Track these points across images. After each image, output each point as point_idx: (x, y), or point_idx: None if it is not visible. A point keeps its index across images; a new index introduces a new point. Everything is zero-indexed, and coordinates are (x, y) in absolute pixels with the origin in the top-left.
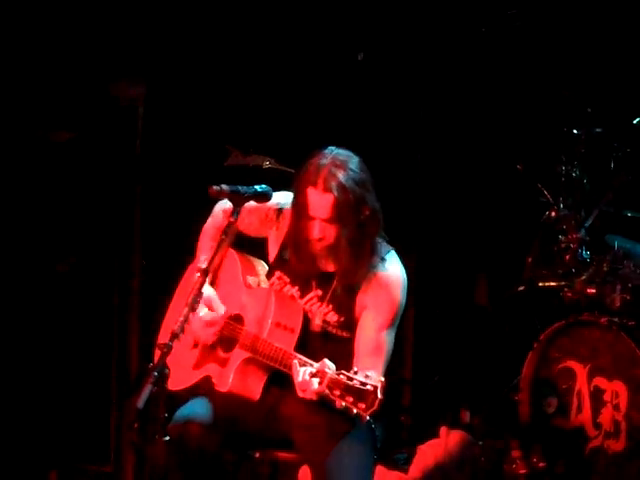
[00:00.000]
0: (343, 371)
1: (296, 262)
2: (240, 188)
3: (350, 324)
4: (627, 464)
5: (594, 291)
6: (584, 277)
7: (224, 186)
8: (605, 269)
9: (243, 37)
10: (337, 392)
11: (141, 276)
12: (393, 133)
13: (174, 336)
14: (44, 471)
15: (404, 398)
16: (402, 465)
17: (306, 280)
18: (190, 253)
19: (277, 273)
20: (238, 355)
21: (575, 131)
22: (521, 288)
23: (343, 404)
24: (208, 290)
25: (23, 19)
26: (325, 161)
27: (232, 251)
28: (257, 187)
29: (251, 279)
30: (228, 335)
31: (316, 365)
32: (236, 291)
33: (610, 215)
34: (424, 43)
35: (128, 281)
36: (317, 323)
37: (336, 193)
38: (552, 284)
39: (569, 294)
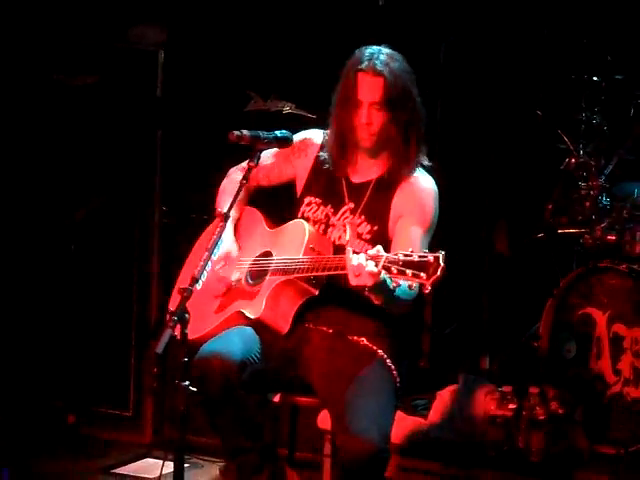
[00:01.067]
0: (400, 250)
1: (330, 165)
2: (260, 133)
3: (382, 235)
4: None
5: (614, 238)
6: (604, 224)
7: (244, 131)
8: (625, 216)
9: None
10: (394, 270)
11: (161, 222)
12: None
13: (194, 280)
14: (63, 414)
15: (423, 344)
16: (421, 411)
17: (337, 194)
18: (210, 197)
19: (306, 199)
20: (271, 282)
21: (595, 78)
22: (541, 235)
23: (400, 281)
24: (231, 247)
25: None
26: (374, 50)
27: (254, 209)
28: (277, 132)
29: (276, 225)
30: (257, 270)
31: (370, 251)
32: (261, 235)
33: (630, 162)
34: None
35: (148, 227)
36: (348, 238)
37: (388, 75)
38: (572, 231)
39: (589, 241)
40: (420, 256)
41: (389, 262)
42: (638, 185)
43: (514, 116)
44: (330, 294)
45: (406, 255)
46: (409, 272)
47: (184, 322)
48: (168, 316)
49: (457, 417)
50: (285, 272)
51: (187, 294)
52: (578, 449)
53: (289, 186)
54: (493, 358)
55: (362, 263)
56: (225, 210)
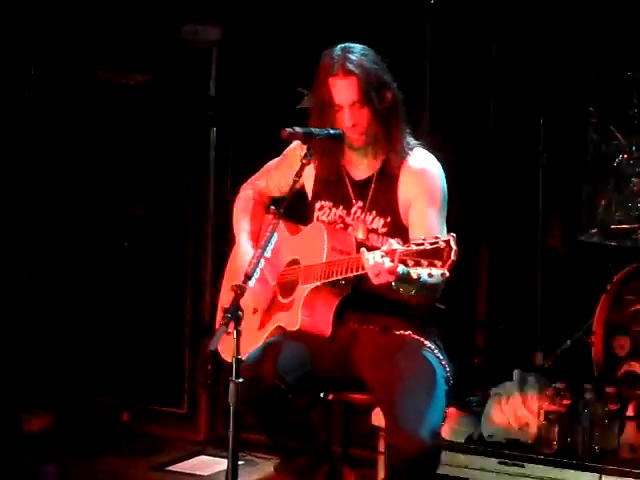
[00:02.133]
0: (412, 240)
1: (328, 166)
2: (313, 130)
3: (396, 225)
4: None
5: None
6: None
7: (297, 128)
8: None
9: None
10: (411, 262)
11: (215, 219)
12: (465, 73)
13: (247, 277)
14: (117, 412)
15: (477, 340)
16: (475, 407)
17: (345, 196)
18: None
19: (318, 204)
20: (301, 291)
21: None
22: (594, 230)
23: (419, 271)
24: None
25: None
26: (337, 51)
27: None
28: (330, 129)
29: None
30: (288, 281)
31: (383, 247)
32: (285, 243)
33: None
34: None
35: (202, 224)
36: (363, 237)
37: (357, 72)
38: (625, 227)
39: None
40: (431, 243)
41: (404, 255)
42: None
43: (567, 112)
44: (366, 293)
45: (418, 244)
46: (424, 262)
47: (238, 319)
48: (222, 313)
49: (511, 414)
50: (312, 279)
51: (240, 291)
52: (631, 445)
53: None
54: (547, 354)
55: (378, 261)
56: (281, 209)
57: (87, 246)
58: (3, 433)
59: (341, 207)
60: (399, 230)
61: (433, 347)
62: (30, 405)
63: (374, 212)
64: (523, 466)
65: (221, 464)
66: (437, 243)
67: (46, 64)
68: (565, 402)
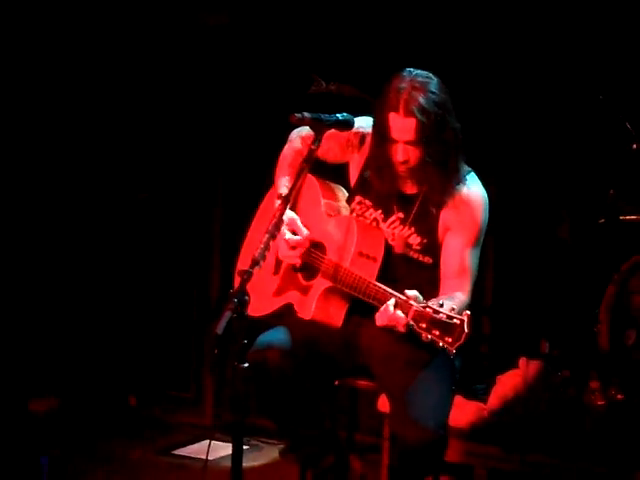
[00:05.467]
0: (429, 304)
1: (378, 184)
2: (322, 116)
3: (433, 247)
4: None
5: None
6: None
7: (306, 113)
8: None
9: None
10: (423, 325)
11: (223, 203)
12: (474, 59)
13: (255, 262)
14: (124, 395)
15: (484, 328)
16: (481, 395)
17: (388, 203)
18: (272, 179)
19: (358, 198)
20: (320, 284)
21: None
22: (602, 221)
23: (429, 337)
24: (291, 214)
25: None
26: (404, 85)
27: (312, 177)
28: (339, 115)
29: (332, 206)
30: (310, 263)
31: (402, 297)
32: (317, 219)
33: None
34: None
35: (211, 208)
36: (399, 248)
37: (418, 116)
38: (633, 217)
39: None
40: (447, 316)
41: (418, 316)
42: None
43: (577, 101)
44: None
45: (435, 312)
46: (436, 332)
47: (244, 304)
48: (228, 297)
49: (517, 402)
50: (333, 279)
51: (247, 276)
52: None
53: None
54: (553, 343)
55: (390, 310)
56: (285, 192)
57: (94, 229)
58: (9, 417)
59: (380, 211)
60: (434, 250)
61: None
62: (36, 388)
63: (413, 229)
64: (529, 454)
65: (227, 448)
66: (452, 319)
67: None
68: (571, 391)
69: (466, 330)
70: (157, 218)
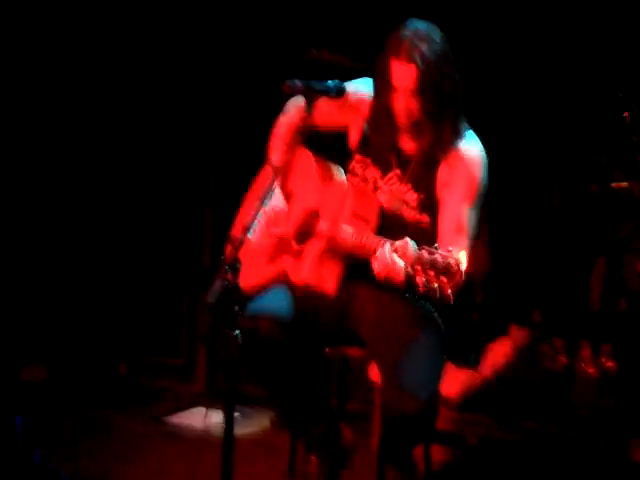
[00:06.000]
0: (425, 246)
1: (378, 138)
2: (314, 82)
3: (430, 203)
4: None
5: None
6: None
7: (297, 81)
8: None
9: None
10: (418, 267)
11: (216, 172)
12: (477, 41)
13: (246, 230)
14: (114, 363)
15: (476, 296)
16: (472, 363)
17: (386, 159)
18: (264, 149)
19: (357, 157)
20: (314, 246)
21: None
22: (594, 188)
23: (424, 279)
24: (277, 207)
25: None
26: (407, 32)
27: (306, 150)
28: (330, 82)
29: (326, 174)
30: (304, 229)
31: (397, 243)
32: (312, 188)
33: None
34: None
35: (203, 176)
36: (395, 205)
37: (419, 63)
38: (625, 184)
39: None
40: (443, 256)
41: (414, 258)
42: None
43: (568, 70)
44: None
45: (430, 252)
46: (432, 273)
47: (236, 271)
48: (220, 265)
49: (508, 369)
50: (327, 240)
51: (238, 243)
52: (629, 403)
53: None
54: (545, 312)
55: (385, 255)
56: (278, 164)
57: (86, 200)
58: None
59: (378, 168)
60: (432, 207)
61: (433, 309)
62: (26, 357)
63: (410, 185)
64: (521, 422)
65: (218, 416)
66: (448, 258)
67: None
68: (562, 359)
69: (462, 269)
70: (151, 184)
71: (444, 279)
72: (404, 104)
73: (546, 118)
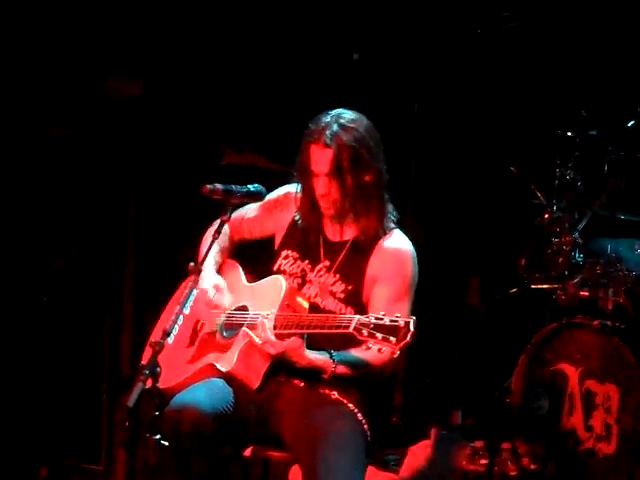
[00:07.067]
0: (371, 313)
1: (305, 230)
2: (233, 187)
3: (357, 296)
4: (618, 467)
5: (587, 294)
6: (577, 280)
7: (217, 185)
8: (598, 272)
9: (239, 36)
10: (365, 332)
11: (135, 276)
12: (387, 134)
13: (166, 334)
14: (35, 467)
15: (395, 399)
16: (393, 466)
17: (314, 252)
18: (184, 252)
19: (283, 252)
20: (244, 336)
21: (569, 133)
22: (514, 290)
23: (371, 343)
24: (218, 279)
25: (20, 18)
26: (328, 119)
27: (234, 262)
28: (250, 186)
29: (254, 277)
30: (232, 323)
31: (344, 316)
32: (238, 290)
33: (603, 218)
34: (419, 44)
35: (121, 280)
36: (323, 297)
37: (335, 148)
38: (545, 286)
39: (562, 297)
40: (391, 320)
41: (359, 324)
42: (611, 241)
43: (488, 171)
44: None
45: (377, 318)
46: (379, 335)
47: (155, 376)
48: (139, 369)
49: (429, 473)
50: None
51: (159, 348)
52: None
53: (268, 241)
54: (465, 413)
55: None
56: (195, 264)
57: (7, 298)
58: None
59: (307, 261)
60: (357, 301)
61: (356, 410)
62: None
63: (338, 276)
64: None
65: None
66: (397, 321)
67: None
68: (483, 461)
69: (412, 329)
70: (69, 287)
71: (392, 339)
72: (324, 189)
73: (466, 223)
